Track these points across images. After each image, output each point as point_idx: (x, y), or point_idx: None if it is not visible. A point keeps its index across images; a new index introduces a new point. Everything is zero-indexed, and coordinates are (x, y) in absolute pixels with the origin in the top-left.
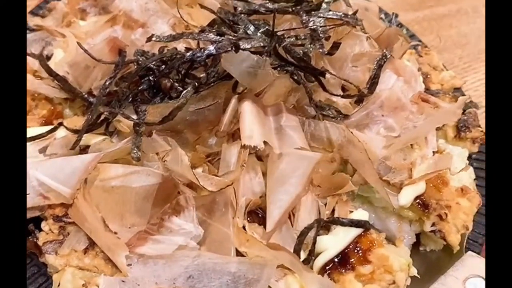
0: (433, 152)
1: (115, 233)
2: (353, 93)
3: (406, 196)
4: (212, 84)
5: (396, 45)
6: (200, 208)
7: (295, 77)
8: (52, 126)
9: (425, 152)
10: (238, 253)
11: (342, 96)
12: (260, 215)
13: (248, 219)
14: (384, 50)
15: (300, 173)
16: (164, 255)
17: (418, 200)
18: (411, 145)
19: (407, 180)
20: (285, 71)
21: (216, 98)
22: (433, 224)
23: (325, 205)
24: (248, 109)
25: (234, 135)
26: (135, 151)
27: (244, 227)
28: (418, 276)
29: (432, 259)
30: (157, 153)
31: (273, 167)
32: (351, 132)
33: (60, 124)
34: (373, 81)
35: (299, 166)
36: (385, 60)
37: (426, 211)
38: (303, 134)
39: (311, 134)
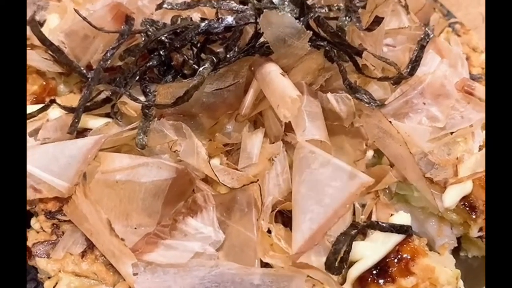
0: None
1: (122, 239)
2: (391, 75)
3: (452, 197)
4: (233, 60)
5: (432, 23)
6: (217, 207)
7: (328, 54)
8: (43, 105)
9: (471, 146)
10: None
11: (379, 79)
12: (284, 215)
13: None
14: (426, 29)
15: (339, 187)
16: (176, 264)
17: (464, 201)
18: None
19: (452, 178)
20: (317, 47)
21: (237, 77)
22: (480, 229)
23: (363, 206)
24: (276, 68)
25: (256, 122)
26: (141, 137)
27: (269, 231)
28: None
29: (473, 266)
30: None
31: (302, 165)
32: (390, 122)
33: (53, 101)
34: (414, 64)
35: (336, 176)
36: (427, 40)
37: (473, 214)
38: (323, 122)
39: None
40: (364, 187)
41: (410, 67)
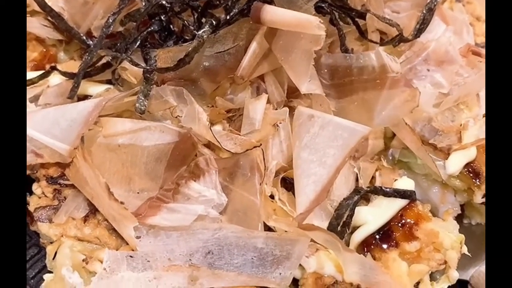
0: None
1: (122, 203)
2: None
3: (455, 163)
4: (233, 20)
5: None
6: (220, 172)
7: (330, 17)
8: (44, 71)
9: (476, 112)
10: (265, 226)
11: (381, 44)
12: (287, 181)
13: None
14: None
15: (341, 145)
16: (179, 227)
17: (467, 168)
18: (457, 104)
19: (456, 144)
20: (319, 11)
21: (237, 40)
22: (484, 196)
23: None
24: None
25: (259, 88)
26: (141, 100)
27: (272, 196)
28: (469, 255)
29: (477, 233)
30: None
31: (301, 130)
32: None
33: (53, 68)
34: (421, 27)
35: (337, 135)
36: (435, 3)
37: (477, 180)
38: (319, 83)
39: None
40: (364, 139)
41: (417, 28)
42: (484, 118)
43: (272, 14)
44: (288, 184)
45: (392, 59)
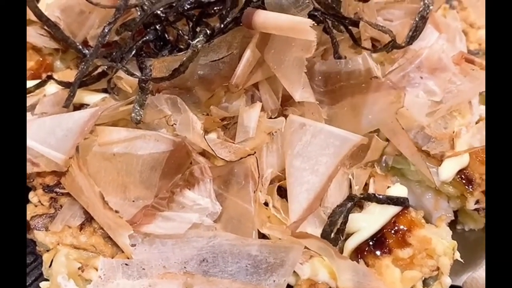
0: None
1: (117, 211)
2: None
3: (448, 170)
4: (227, 29)
5: None
6: (215, 180)
7: (324, 25)
8: (40, 80)
9: (469, 119)
10: (259, 234)
11: (374, 51)
12: (281, 188)
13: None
14: (426, 1)
15: (333, 153)
16: (174, 235)
17: (460, 174)
18: (450, 111)
19: (449, 151)
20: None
21: (231, 49)
22: (477, 202)
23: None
24: None
25: (253, 96)
26: (137, 110)
27: (266, 204)
28: (462, 261)
29: (470, 239)
30: (164, 116)
31: (293, 139)
32: None
33: (50, 77)
34: (414, 34)
35: (328, 143)
36: (427, 11)
37: (470, 186)
38: (311, 91)
39: None
40: (356, 147)
41: (409, 35)
42: (476, 125)
43: (264, 18)
44: (283, 191)
45: (376, 66)
